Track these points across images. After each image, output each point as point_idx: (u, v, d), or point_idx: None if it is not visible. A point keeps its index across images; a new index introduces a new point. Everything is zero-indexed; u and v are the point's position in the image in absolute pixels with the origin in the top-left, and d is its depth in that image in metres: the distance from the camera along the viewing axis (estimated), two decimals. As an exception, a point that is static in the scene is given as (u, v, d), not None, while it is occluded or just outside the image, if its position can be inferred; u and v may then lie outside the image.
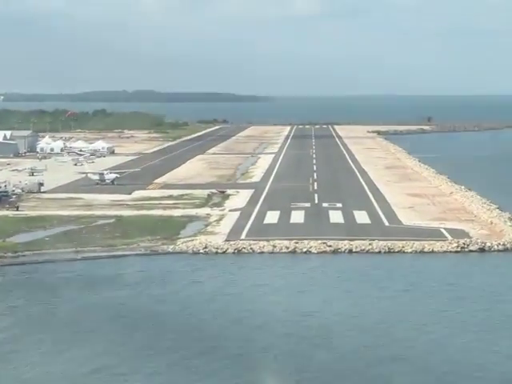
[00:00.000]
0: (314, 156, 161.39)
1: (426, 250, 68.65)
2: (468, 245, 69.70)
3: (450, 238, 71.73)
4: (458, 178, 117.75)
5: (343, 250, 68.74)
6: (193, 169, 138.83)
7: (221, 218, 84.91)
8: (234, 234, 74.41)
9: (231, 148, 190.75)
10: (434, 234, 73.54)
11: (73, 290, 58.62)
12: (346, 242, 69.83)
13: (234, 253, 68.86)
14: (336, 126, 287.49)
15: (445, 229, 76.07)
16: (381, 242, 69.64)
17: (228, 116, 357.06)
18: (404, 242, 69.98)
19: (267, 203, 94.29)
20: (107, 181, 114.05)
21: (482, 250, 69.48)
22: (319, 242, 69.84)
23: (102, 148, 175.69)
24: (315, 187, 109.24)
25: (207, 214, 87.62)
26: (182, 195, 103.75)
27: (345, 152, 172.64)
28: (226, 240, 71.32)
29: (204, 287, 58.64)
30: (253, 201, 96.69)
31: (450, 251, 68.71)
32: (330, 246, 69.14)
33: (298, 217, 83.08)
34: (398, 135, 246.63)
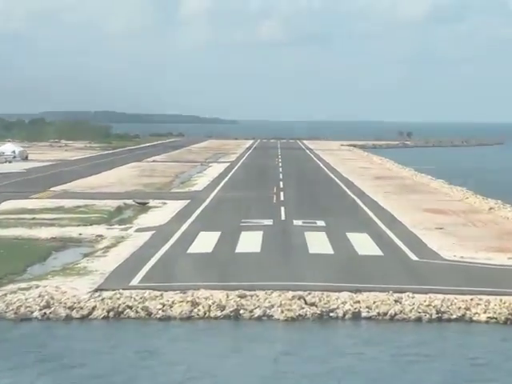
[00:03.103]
0: (281, 165, 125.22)
1: (517, 316, 32.97)
2: None
3: (555, 289, 35.88)
4: (480, 190, 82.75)
5: (340, 313, 32.46)
6: (116, 176, 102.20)
7: (117, 242, 48.34)
8: (122, 275, 37.68)
9: (178, 157, 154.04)
10: (516, 280, 37.72)
11: None
12: (344, 295, 34.12)
13: (105, 318, 32.70)
14: (305, 141, 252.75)
15: (528, 268, 40.37)
16: (418, 297, 33.84)
17: (188, 132, 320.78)
18: (465, 297, 34.31)
19: (203, 219, 57.95)
20: (-27, 186, 77.96)
21: None
22: (290, 294, 33.96)
23: (12, 152, 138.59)
24: (281, 198, 73.09)
25: (98, 236, 51.21)
26: (78, 207, 67.21)
27: (318, 162, 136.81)
28: (98, 289, 35.19)
29: None
30: (182, 215, 60.25)
31: None
32: (313, 304, 33.40)
33: (250, 242, 46.81)
34: (377, 149, 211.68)
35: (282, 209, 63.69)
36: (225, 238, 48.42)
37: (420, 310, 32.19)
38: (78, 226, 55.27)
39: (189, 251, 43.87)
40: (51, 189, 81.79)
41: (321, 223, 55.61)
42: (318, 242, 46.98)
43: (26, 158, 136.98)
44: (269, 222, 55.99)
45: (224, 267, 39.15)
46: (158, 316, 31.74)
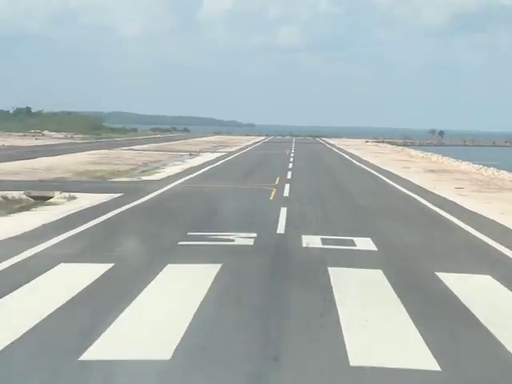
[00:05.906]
0: (292, 155, 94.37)
1: None
2: None
3: None
4: None
5: None
6: (52, 162, 71.02)
7: None
8: None
9: (167, 148, 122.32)
10: None
11: None
12: None
13: None
14: (324, 138, 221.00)
15: None
16: None
17: (198, 130, 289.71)
18: None
19: (101, 231, 26.42)
20: None
21: None
22: None
23: None
24: (285, 193, 41.82)
25: None
26: None
27: (342, 154, 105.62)
28: None
29: None
30: (67, 222, 29.01)
31: None
32: None
33: (165, 311, 15.62)
34: (408, 146, 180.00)
35: (283, 211, 32.30)
36: (104, 289, 17.05)
37: None
38: None
39: None
40: None
41: (364, 244, 24.26)
42: (370, 309, 15.52)
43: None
44: (247, 238, 24.64)
45: None
46: None
